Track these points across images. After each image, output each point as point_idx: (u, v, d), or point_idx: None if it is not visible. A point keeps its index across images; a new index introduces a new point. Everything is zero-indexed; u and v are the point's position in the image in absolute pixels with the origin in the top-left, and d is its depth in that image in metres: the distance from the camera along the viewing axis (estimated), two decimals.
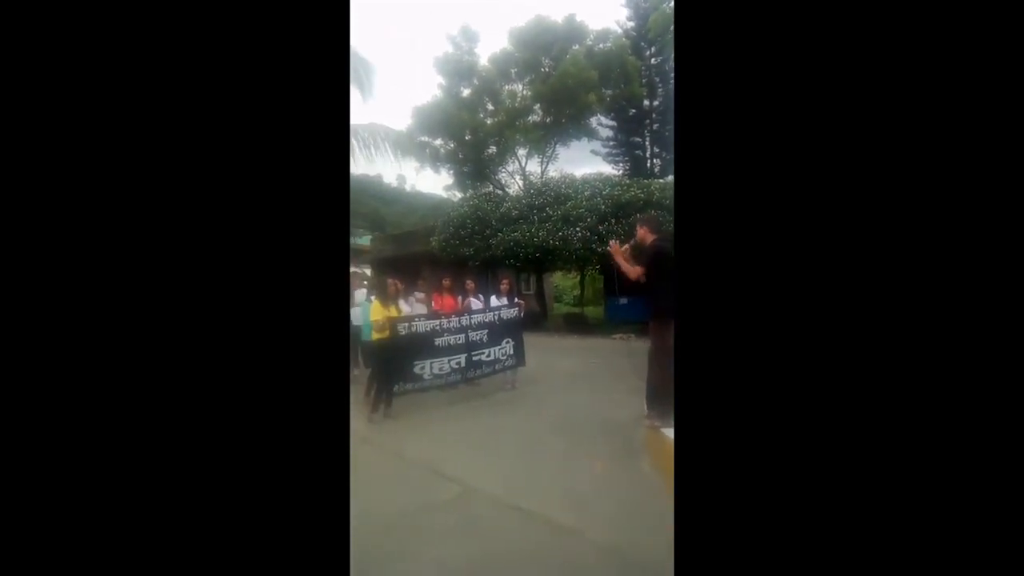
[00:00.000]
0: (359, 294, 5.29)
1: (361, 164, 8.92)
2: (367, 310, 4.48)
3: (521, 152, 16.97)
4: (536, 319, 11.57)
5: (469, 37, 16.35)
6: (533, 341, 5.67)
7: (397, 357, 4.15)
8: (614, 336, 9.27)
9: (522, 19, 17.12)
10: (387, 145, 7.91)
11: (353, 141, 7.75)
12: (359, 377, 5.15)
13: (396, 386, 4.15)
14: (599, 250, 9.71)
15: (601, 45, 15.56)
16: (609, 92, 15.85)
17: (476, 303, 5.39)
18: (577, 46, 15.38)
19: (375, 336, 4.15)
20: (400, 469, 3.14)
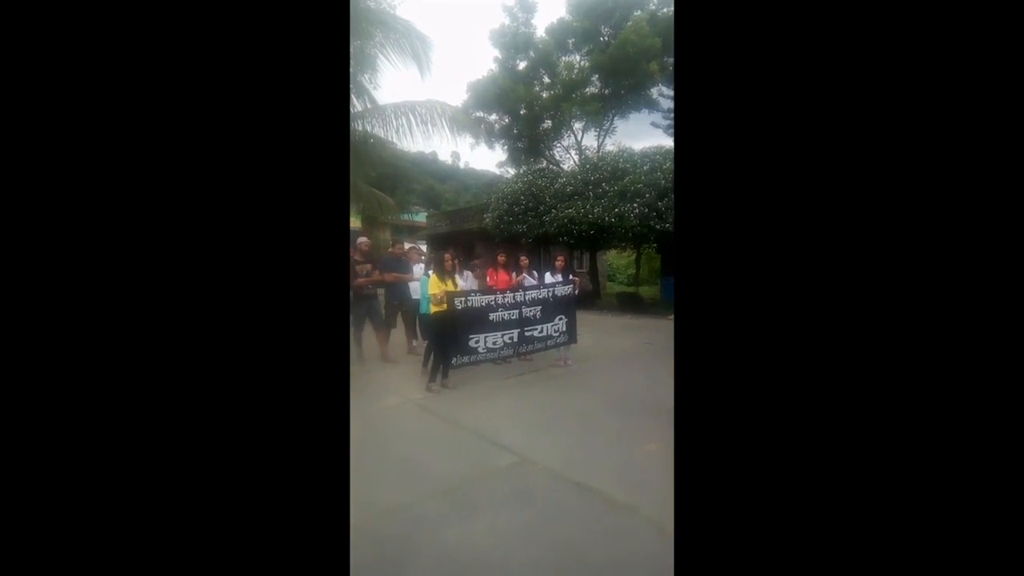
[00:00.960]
0: (417, 269, 5.46)
1: (419, 141, 9.07)
2: (425, 284, 4.62)
3: (577, 126, 16.54)
4: (589, 297, 11.45)
5: (526, 8, 15.93)
6: (586, 319, 5.63)
7: (453, 330, 4.27)
8: (669, 316, 9.02)
9: None
10: (443, 121, 7.97)
11: (411, 118, 7.87)
12: (418, 348, 5.36)
13: (454, 359, 4.29)
14: (657, 227, 9.39)
15: (665, 10, 14.67)
16: (672, 60, 15.00)
17: (530, 280, 5.40)
18: (639, 12, 14.60)
19: (433, 309, 4.28)
20: (457, 437, 3.27)
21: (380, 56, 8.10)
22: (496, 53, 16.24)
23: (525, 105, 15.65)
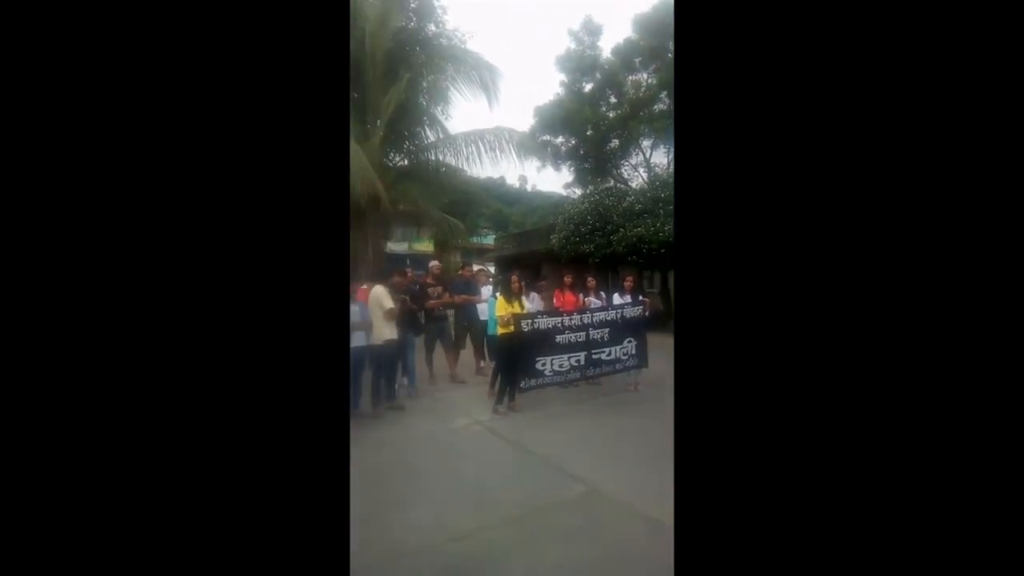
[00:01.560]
0: (485, 291, 5.55)
1: (487, 167, 9.34)
2: (493, 305, 4.67)
3: (645, 143, 16.24)
4: (660, 319, 10.99)
5: (591, 31, 16.09)
6: (657, 342, 5.38)
7: (520, 352, 4.25)
8: None
9: (647, 4, 16.31)
10: (511, 147, 8.17)
11: (480, 145, 8.15)
12: (485, 369, 5.41)
13: (522, 382, 4.26)
14: None
15: None
16: None
17: (596, 301, 5.28)
18: None
19: (500, 331, 4.31)
20: (525, 462, 3.21)
21: (451, 88, 8.53)
22: (562, 77, 16.48)
23: (591, 126, 15.66)
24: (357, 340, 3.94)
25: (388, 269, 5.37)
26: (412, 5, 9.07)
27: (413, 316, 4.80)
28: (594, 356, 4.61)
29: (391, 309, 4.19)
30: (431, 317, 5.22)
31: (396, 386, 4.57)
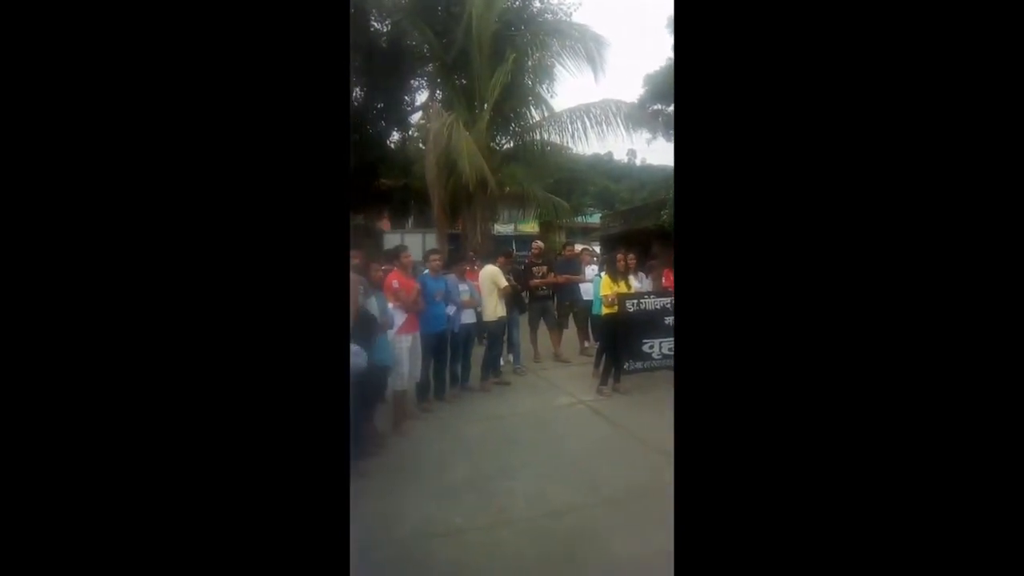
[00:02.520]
0: (589, 270, 5.46)
1: (593, 143, 9.08)
2: (597, 284, 4.58)
3: None
4: None
5: None
6: None
7: (625, 333, 4.13)
8: None
9: None
10: (618, 119, 7.82)
11: (585, 121, 7.94)
12: (589, 349, 5.37)
13: (626, 363, 4.16)
14: None
15: None
16: None
17: None
18: None
19: (604, 311, 4.22)
20: (628, 444, 3.15)
21: (557, 64, 8.38)
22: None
23: None
24: (468, 317, 4.15)
25: (494, 251, 5.53)
26: None
27: (517, 295, 4.91)
28: None
29: (507, 287, 4.35)
30: (534, 296, 5.30)
31: (501, 362, 4.75)
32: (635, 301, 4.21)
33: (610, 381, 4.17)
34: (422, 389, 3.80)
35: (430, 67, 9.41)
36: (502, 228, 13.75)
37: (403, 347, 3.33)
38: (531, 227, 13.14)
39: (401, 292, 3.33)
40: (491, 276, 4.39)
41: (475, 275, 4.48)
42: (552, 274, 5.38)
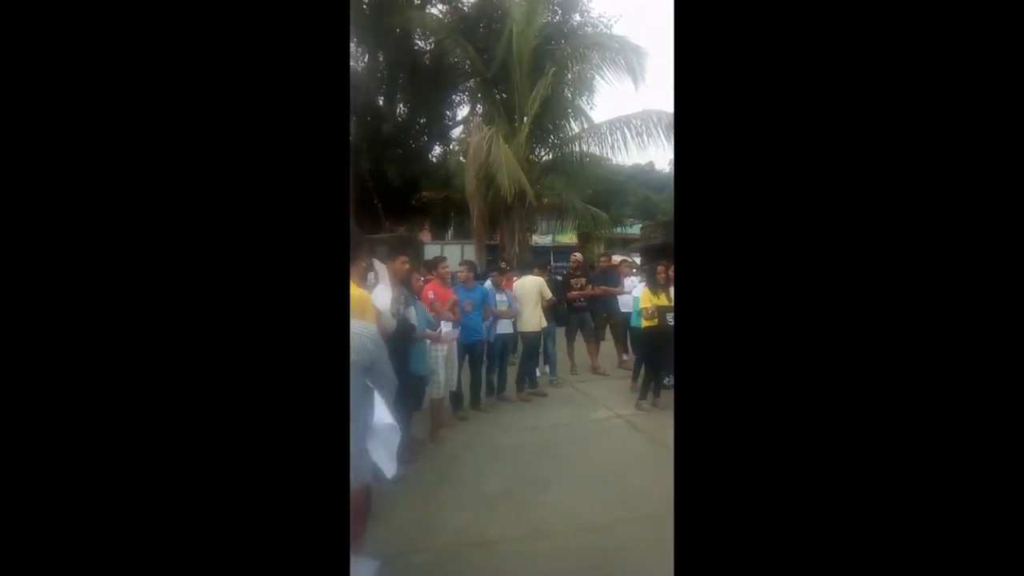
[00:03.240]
0: (628, 282, 5.38)
1: (633, 153, 8.99)
2: (636, 297, 4.50)
3: None
4: None
5: None
6: None
7: (665, 347, 4.02)
8: None
9: None
10: (659, 130, 7.73)
11: (625, 132, 7.88)
12: (628, 363, 5.27)
13: (666, 378, 4.04)
14: None
15: None
16: None
17: None
18: None
19: (644, 323, 4.13)
20: (667, 460, 3.05)
21: (596, 76, 8.40)
22: None
23: None
24: (504, 327, 4.18)
25: (531, 262, 5.55)
26: None
27: (554, 307, 4.90)
28: None
29: (551, 298, 4.37)
30: (572, 308, 5.26)
31: (538, 374, 4.73)
32: (675, 314, 4.11)
33: (649, 395, 4.07)
34: (457, 398, 3.84)
35: (472, 82, 9.65)
36: (540, 239, 13.77)
37: (439, 356, 3.39)
38: (569, 238, 13.09)
39: (436, 303, 3.40)
40: (536, 287, 4.41)
41: (511, 284, 4.51)
42: (589, 286, 5.34)
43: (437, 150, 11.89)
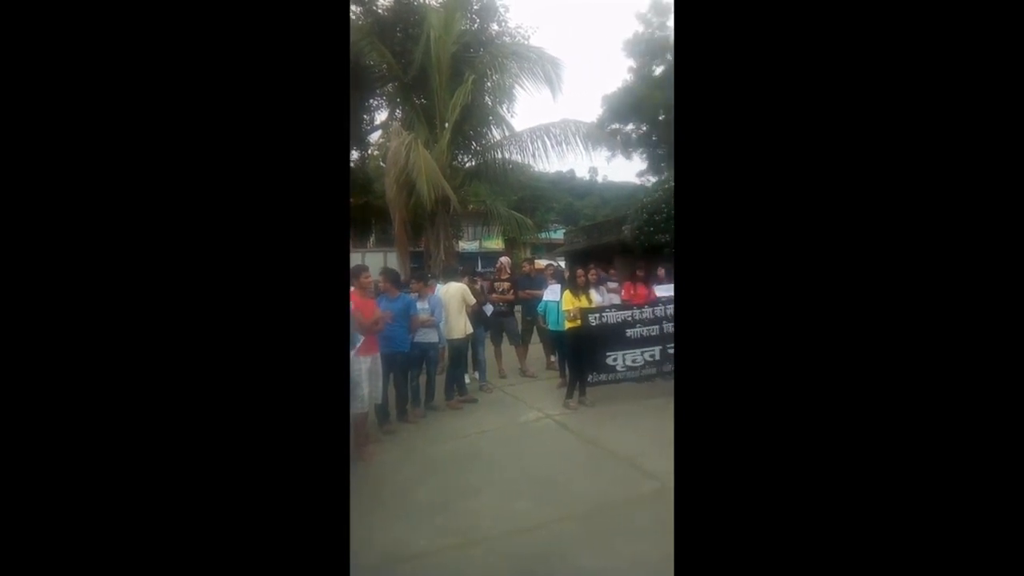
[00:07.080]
0: (549, 290, 5.52)
1: (554, 161, 9.28)
2: (552, 303, 4.63)
3: None
4: None
5: (660, 11, 15.38)
6: None
7: (589, 347, 4.18)
8: None
9: None
10: (578, 139, 8.03)
11: (546, 140, 8.10)
12: (556, 364, 5.39)
13: (590, 376, 4.19)
14: None
15: None
16: None
17: (667, 292, 5.04)
18: None
19: (567, 325, 4.26)
20: (595, 457, 3.16)
21: (516, 85, 8.56)
22: (631, 63, 15.95)
23: (664, 110, 14.98)
24: (428, 336, 4.09)
25: (458, 268, 5.52)
26: (475, 7, 9.22)
27: (478, 311, 4.90)
28: (671, 351, 4.40)
29: (474, 304, 4.33)
30: (497, 312, 5.30)
31: (467, 380, 4.69)
32: (596, 315, 4.28)
33: (576, 394, 4.19)
34: (383, 411, 3.70)
35: (390, 87, 9.43)
36: (467, 245, 13.74)
37: (362, 369, 3.25)
38: (496, 244, 13.21)
39: (358, 313, 3.26)
40: (460, 293, 4.37)
41: (432, 291, 4.44)
42: (512, 291, 5.40)
43: (355, 154, 11.47)
